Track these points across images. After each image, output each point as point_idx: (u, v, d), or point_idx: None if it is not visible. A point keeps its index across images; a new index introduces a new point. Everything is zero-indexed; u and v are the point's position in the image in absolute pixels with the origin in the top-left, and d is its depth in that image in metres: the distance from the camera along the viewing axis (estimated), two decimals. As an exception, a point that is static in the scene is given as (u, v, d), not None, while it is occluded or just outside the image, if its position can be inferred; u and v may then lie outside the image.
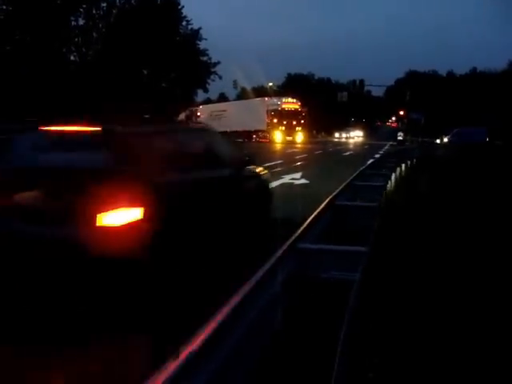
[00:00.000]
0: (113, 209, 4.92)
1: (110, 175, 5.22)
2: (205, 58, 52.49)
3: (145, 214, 5.05)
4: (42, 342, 4.40)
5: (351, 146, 56.98)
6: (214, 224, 6.54)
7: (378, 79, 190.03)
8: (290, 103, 57.67)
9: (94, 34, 45.85)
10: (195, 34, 51.20)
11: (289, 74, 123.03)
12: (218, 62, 53.66)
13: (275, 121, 56.20)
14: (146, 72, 48.54)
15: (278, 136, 55.87)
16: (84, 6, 44.07)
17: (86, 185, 5.03)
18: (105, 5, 46.14)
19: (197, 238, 5.90)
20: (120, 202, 4.98)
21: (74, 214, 4.88)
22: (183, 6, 50.33)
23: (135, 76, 45.11)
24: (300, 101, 59.47)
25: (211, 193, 6.79)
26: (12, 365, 4.16)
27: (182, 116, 58.40)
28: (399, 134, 71.22)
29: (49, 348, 4.27)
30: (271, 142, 53.77)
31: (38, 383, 3.99)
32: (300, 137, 57.06)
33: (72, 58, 45.10)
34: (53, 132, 5.96)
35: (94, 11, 45.64)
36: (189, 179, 6.29)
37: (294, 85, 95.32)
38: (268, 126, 57.22)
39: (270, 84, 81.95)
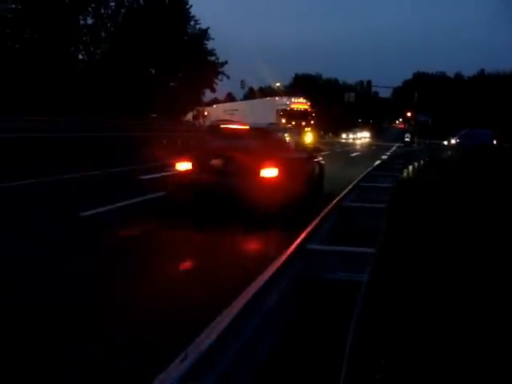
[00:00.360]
0: (265, 168, 9.76)
1: (264, 153, 10.11)
2: (212, 58, 52.61)
3: (278, 172, 9.83)
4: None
5: (358, 147, 56.83)
6: (303, 176, 11.54)
7: (386, 80, 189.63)
8: (299, 103, 56.44)
9: (103, 33, 46.01)
10: (203, 34, 51.31)
11: (296, 75, 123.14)
12: (226, 62, 53.78)
13: (283, 121, 54.15)
14: (153, 71, 48.64)
15: (285, 137, 55.48)
16: (92, 5, 44.27)
17: (252, 156, 9.94)
18: (113, 4, 46.35)
19: (297, 182, 10.45)
20: (268, 165, 9.79)
21: (245, 171, 9.70)
22: (191, 6, 50.54)
23: (143, 75, 45.22)
24: (308, 101, 58.45)
25: (301, 163, 12.06)
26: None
27: (189, 116, 58.55)
28: (406, 135, 71.13)
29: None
30: None
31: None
32: (309, 137, 54.87)
33: (80, 56, 45.30)
34: (230, 128, 11.91)
35: (102, 10, 45.82)
36: (292, 157, 11.50)
37: (301, 85, 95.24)
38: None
39: (278, 84, 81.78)
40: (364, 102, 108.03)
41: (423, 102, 78.69)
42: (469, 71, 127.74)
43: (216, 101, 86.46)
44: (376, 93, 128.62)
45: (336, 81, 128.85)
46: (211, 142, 11.51)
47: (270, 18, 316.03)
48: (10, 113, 24.72)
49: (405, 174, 12.00)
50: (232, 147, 10.35)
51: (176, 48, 45.06)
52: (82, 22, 44.29)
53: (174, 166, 10.64)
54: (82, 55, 45.42)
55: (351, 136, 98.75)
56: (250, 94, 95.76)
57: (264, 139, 10.94)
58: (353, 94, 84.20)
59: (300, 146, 14.23)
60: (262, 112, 57.56)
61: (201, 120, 57.83)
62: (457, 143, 47.33)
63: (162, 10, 45.56)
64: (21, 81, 33.13)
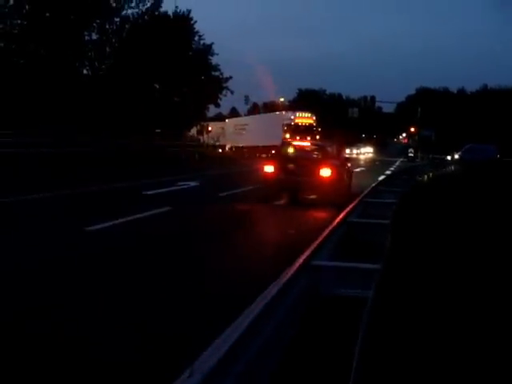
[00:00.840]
0: (324, 169, 15.71)
1: (323, 160, 16.46)
2: (217, 73, 52.85)
3: (331, 172, 15.69)
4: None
5: (362, 162, 56.49)
6: (343, 175, 17.25)
7: (389, 95, 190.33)
8: (304, 118, 55.81)
9: (107, 49, 46.24)
10: (207, 49, 51.59)
11: (300, 90, 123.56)
12: (230, 77, 54.01)
13: (288, 136, 52.66)
14: (157, 86, 48.85)
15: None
16: (97, 20, 44.51)
17: (315, 162, 16.35)
18: (118, 20, 46.59)
19: (340, 179, 16.45)
20: (326, 168, 15.75)
21: (308, 172, 15.68)
22: (196, 21, 50.87)
23: (147, 90, 45.40)
24: (313, 115, 56.93)
25: (342, 167, 17.75)
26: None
27: (193, 131, 58.65)
28: (410, 150, 71.16)
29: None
30: None
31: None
32: None
33: (85, 71, 45.52)
34: (298, 144, 19.70)
35: (107, 26, 46.07)
36: (337, 163, 17.07)
37: (305, 100, 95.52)
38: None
39: (282, 99, 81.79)
40: (367, 117, 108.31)
41: (426, 117, 78.82)
42: (472, 86, 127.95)
43: (220, 116, 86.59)
44: (379, 108, 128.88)
45: (340, 96, 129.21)
46: (286, 153, 17.84)
47: (273, 33, 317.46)
48: (14, 127, 24.81)
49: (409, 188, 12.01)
50: (300, 157, 17.16)
51: (180, 63, 45.28)
52: (86, 37, 44.55)
53: (262, 168, 17.04)
54: (87, 70, 45.68)
55: (355, 151, 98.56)
56: (254, 109, 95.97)
57: (320, 151, 17.71)
58: (356, 110, 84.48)
59: (341, 156, 19.87)
60: (269, 126, 57.04)
61: (205, 135, 57.93)
62: (460, 158, 47.27)
63: (166, 25, 45.85)
64: (25, 96, 33.26)
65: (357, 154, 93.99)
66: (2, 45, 38.55)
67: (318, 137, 51.66)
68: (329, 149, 18.31)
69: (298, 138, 48.64)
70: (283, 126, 53.89)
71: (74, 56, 41.78)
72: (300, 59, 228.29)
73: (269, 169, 16.62)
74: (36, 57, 38.58)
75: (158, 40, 42.97)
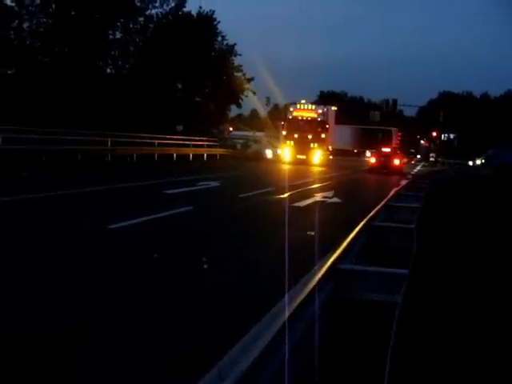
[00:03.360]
0: (396, 160, 40.50)
1: (395, 156, 41.21)
2: (239, 74, 52.88)
3: (399, 162, 40.79)
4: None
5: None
6: (402, 164, 42.97)
7: (411, 99, 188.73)
8: (305, 110, 45.02)
9: (131, 48, 46.48)
10: (230, 50, 51.66)
11: (321, 92, 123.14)
12: (252, 78, 54.00)
13: (284, 133, 44.45)
14: (180, 86, 49.01)
15: (286, 153, 43.51)
16: (122, 20, 44.77)
17: (392, 157, 40.81)
18: (142, 19, 46.81)
19: (403, 166, 41.51)
20: (396, 159, 40.57)
21: (389, 161, 39.87)
22: (219, 22, 50.95)
23: (169, 89, 45.58)
24: (321, 107, 47.31)
25: (403, 158, 46.41)
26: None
27: (214, 130, 58.74)
28: (431, 154, 70.73)
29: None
30: (279, 160, 43.16)
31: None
32: (317, 156, 43.33)
33: (108, 70, 45.80)
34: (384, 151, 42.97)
35: (131, 25, 46.32)
36: (401, 155, 44.24)
37: (326, 102, 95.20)
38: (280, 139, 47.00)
39: (303, 101, 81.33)
40: (389, 121, 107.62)
41: (449, 122, 78.20)
42: (496, 91, 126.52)
43: (240, 117, 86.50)
44: (401, 111, 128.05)
45: (361, 99, 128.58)
46: (379, 153, 41.81)
47: (295, 35, 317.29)
48: (38, 125, 25.00)
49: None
50: (385, 154, 41.12)
51: (203, 63, 45.41)
52: (110, 36, 44.82)
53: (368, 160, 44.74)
54: (110, 69, 45.95)
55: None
56: (275, 111, 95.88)
57: (393, 152, 42.50)
58: (378, 113, 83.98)
59: (401, 154, 43.71)
60: None
61: (226, 134, 57.92)
62: (482, 164, 46.74)
63: (190, 25, 46.00)
64: (49, 94, 33.52)
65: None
66: (28, 43, 38.92)
67: (323, 135, 43.98)
68: (396, 151, 44.48)
69: (295, 135, 42.83)
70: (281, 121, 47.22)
71: (97, 55, 42.07)
72: (322, 61, 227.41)
73: (372, 160, 41.63)
74: (60, 55, 38.89)
75: (181, 40, 43.14)
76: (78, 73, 36.58)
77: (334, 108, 49.56)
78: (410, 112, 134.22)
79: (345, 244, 5.66)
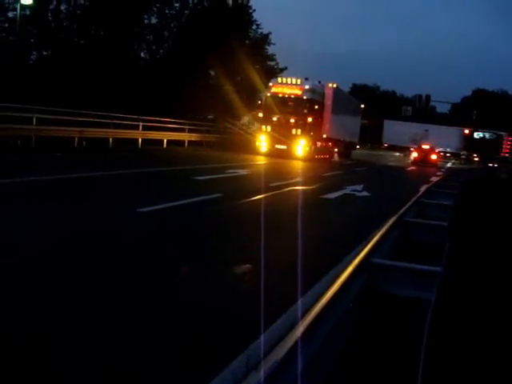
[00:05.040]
0: (432, 155, 47.71)
1: (433, 152, 48.55)
2: (272, 63, 52.72)
3: (436, 157, 48.60)
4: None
5: (409, 162, 54.74)
6: (438, 158, 51.84)
7: (444, 95, 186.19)
8: (287, 85, 35.02)
9: (166, 33, 46.63)
10: (264, 39, 51.50)
11: (354, 84, 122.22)
12: (285, 68, 53.76)
13: (260, 115, 35.44)
14: (212, 73, 49.02)
15: (262, 142, 34.65)
16: (157, 5, 44.94)
17: (430, 152, 48.54)
18: (178, 5, 46.90)
19: (438, 159, 51.18)
20: (433, 155, 47.71)
21: (429, 156, 46.97)
22: (254, 10, 50.80)
23: (202, 76, 45.66)
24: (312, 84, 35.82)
25: (438, 155, 52.54)
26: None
27: (244, 119, 58.61)
28: (463, 152, 69.84)
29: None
30: (257, 151, 34.33)
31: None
32: (300, 148, 33.92)
33: (142, 54, 46.04)
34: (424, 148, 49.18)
35: (166, 11, 46.45)
36: (437, 152, 51.69)
37: (358, 95, 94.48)
38: (256, 124, 38.24)
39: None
40: (421, 117, 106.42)
41: (482, 120, 77.05)
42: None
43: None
44: (433, 107, 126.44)
45: (393, 93, 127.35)
46: (420, 149, 48.45)
47: (328, 25, 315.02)
48: (72, 108, 25.11)
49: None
50: (425, 150, 47.39)
51: (237, 51, 45.34)
52: (146, 21, 45.03)
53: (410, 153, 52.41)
54: (145, 54, 46.20)
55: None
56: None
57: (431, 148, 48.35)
58: (410, 108, 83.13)
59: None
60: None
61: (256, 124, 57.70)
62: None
63: (225, 13, 45.94)
64: (84, 76, 33.77)
65: (404, 154, 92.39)
66: (65, 25, 39.28)
67: (310, 119, 34.25)
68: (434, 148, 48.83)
69: (274, 119, 34.24)
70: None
71: (133, 39, 42.32)
72: (357, 54, 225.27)
73: (414, 154, 47.99)
74: (96, 38, 39.20)
75: (215, 27, 43.10)
76: (113, 56, 36.83)
77: (332, 85, 37.33)
78: (443, 109, 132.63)
79: (376, 238, 5.67)
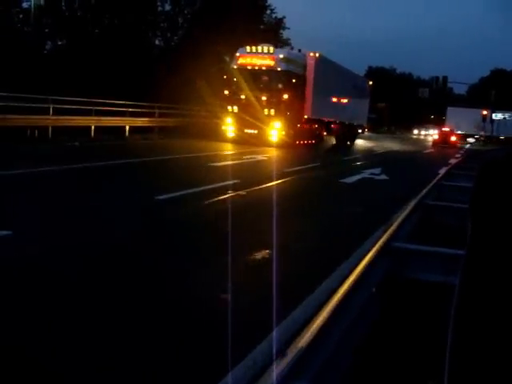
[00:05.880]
0: (452, 136, 51.06)
1: (452, 134, 52.12)
2: (287, 48, 52.35)
3: (455, 138, 51.45)
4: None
5: (430, 144, 53.95)
6: (458, 140, 55.20)
7: (462, 76, 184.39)
8: (257, 55, 28.80)
9: (180, 20, 46.44)
10: (279, 23, 51.17)
11: (370, 67, 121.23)
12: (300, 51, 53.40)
13: (226, 93, 28.77)
14: (227, 59, 48.85)
15: (229, 125, 28.48)
16: (171, -9, 44.71)
17: (450, 135, 51.57)
18: (191, -9, 46.65)
19: (458, 141, 54.11)
20: (453, 137, 50.83)
21: (449, 139, 50.40)
22: (268, -6, 50.43)
23: (217, 63, 45.49)
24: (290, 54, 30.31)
25: (457, 136, 57.30)
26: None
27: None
28: (481, 133, 69.19)
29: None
30: (223, 137, 28.42)
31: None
32: (274, 132, 27.68)
33: (157, 42, 45.93)
34: (445, 130, 53.57)
35: (180, -3, 46.23)
36: (457, 135, 55.83)
37: (374, 78, 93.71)
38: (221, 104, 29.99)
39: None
40: (438, 98, 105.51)
41: (501, 100, 76.10)
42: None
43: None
44: (450, 89, 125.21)
45: (410, 75, 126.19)
46: (443, 133, 52.22)
47: (343, 8, 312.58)
48: (87, 97, 25.16)
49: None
50: (445, 133, 51.16)
51: (251, 37, 45.09)
52: (159, 8, 44.89)
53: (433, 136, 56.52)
54: (159, 41, 46.09)
55: (423, 132, 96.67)
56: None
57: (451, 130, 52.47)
58: (426, 90, 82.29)
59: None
60: None
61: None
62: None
63: (239, -2, 45.64)
64: (98, 65, 33.74)
65: (425, 135, 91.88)
66: (79, 14, 39.26)
67: (286, 96, 27.56)
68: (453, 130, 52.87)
69: (242, 97, 27.90)
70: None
71: (147, 26, 42.22)
72: (372, 36, 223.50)
73: (435, 136, 53.02)
74: (110, 27, 39.16)
75: (230, 12, 42.85)
76: (128, 44, 36.79)
77: (314, 54, 30.53)
78: (460, 90, 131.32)
79: (398, 221, 5.60)
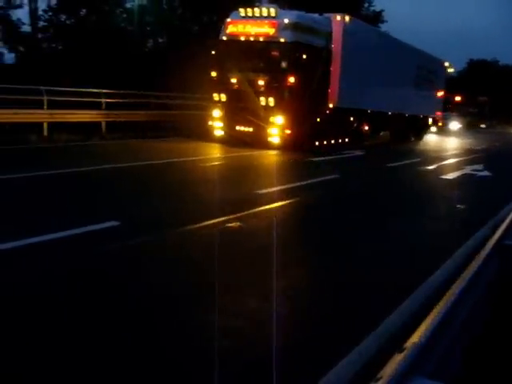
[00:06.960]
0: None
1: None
2: (386, 41, 51.46)
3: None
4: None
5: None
6: None
7: None
8: (251, 21, 20.10)
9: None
10: (377, 16, 50.39)
11: (470, 60, 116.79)
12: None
13: (214, 75, 20.80)
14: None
15: (215, 122, 21.14)
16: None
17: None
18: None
19: None
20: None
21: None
22: (367, -12, 49.73)
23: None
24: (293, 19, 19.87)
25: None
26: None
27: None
28: None
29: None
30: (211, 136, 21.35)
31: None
32: (275, 130, 19.85)
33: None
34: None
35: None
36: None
37: (475, 71, 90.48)
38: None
39: (451, 70, 77.63)
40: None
41: None
42: None
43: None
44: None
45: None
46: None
47: (442, 1, 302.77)
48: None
49: None
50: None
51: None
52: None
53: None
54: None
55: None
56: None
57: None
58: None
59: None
60: None
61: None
62: None
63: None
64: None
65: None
66: (179, 12, 40.02)
67: (292, 79, 19.20)
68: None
69: (233, 80, 20.13)
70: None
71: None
72: (472, 28, 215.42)
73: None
74: (210, 23, 39.53)
75: (327, 4, 42.36)
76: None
77: (341, 17, 21.71)
78: None
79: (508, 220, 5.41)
